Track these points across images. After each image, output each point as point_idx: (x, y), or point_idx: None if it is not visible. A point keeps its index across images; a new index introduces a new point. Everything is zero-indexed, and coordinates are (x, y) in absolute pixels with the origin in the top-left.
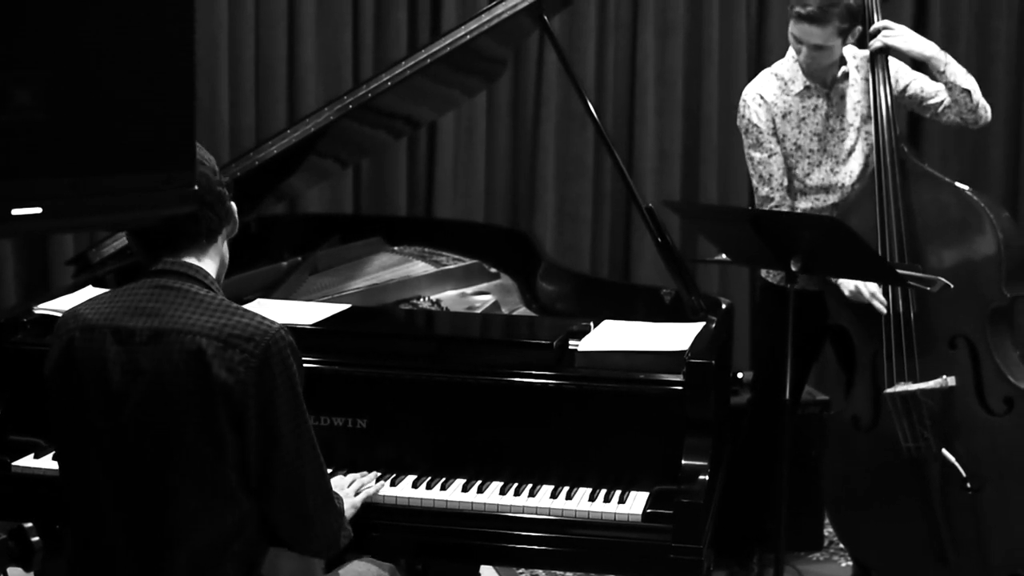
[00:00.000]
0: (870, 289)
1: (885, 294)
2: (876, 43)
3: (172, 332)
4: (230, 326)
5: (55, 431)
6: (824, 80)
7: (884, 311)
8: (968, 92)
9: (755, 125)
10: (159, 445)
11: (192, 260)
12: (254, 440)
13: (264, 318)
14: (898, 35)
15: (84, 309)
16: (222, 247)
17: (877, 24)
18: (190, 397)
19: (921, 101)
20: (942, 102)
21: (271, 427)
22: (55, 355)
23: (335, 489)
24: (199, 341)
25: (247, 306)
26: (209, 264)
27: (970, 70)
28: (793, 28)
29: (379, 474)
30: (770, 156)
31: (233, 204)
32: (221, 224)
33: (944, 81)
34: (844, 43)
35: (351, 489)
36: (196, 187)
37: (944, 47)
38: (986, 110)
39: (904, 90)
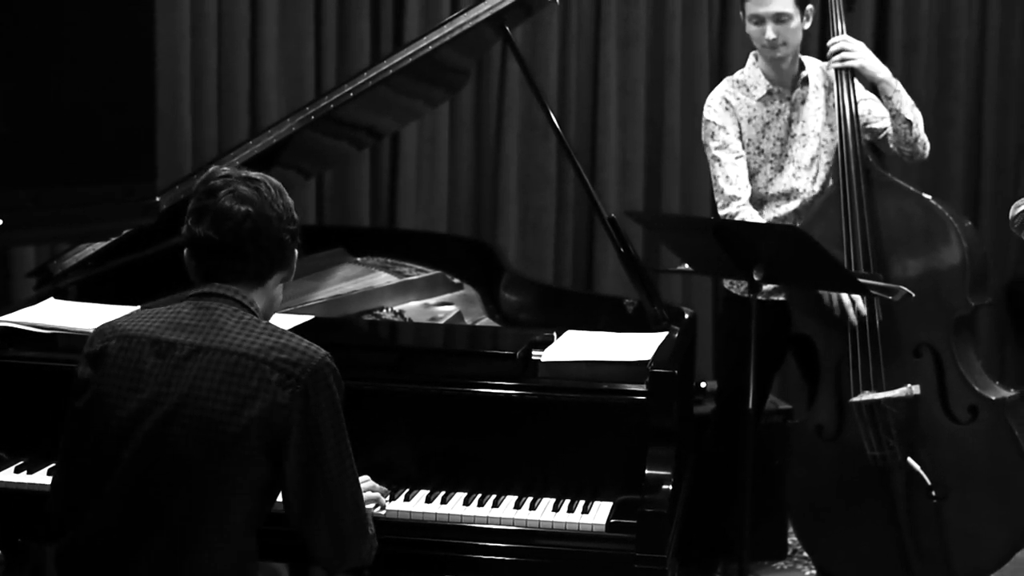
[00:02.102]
0: (850, 297)
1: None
2: (834, 62)
3: (214, 350)
4: (277, 348)
5: (70, 437)
6: (785, 82)
7: (856, 322)
8: (910, 123)
9: (721, 127)
10: (178, 462)
11: (240, 289)
12: (295, 464)
13: (310, 344)
14: (855, 56)
15: (123, 322)
16: (273, 290)
17: (837, 42)
18: (224, 418)
19: (866, 123)
20: (885, 129)
21: (315, 450)
22: (86, 363)
23: None
24: (243, 362)
25: None
26: (256, 299)
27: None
28: (751, 7)
29: (390, 491)
30: (736, 158)
31: (296, 252)
32: (273, 268)
33: (890, 107)
34: (803, 19)
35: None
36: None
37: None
38: (924, 146)
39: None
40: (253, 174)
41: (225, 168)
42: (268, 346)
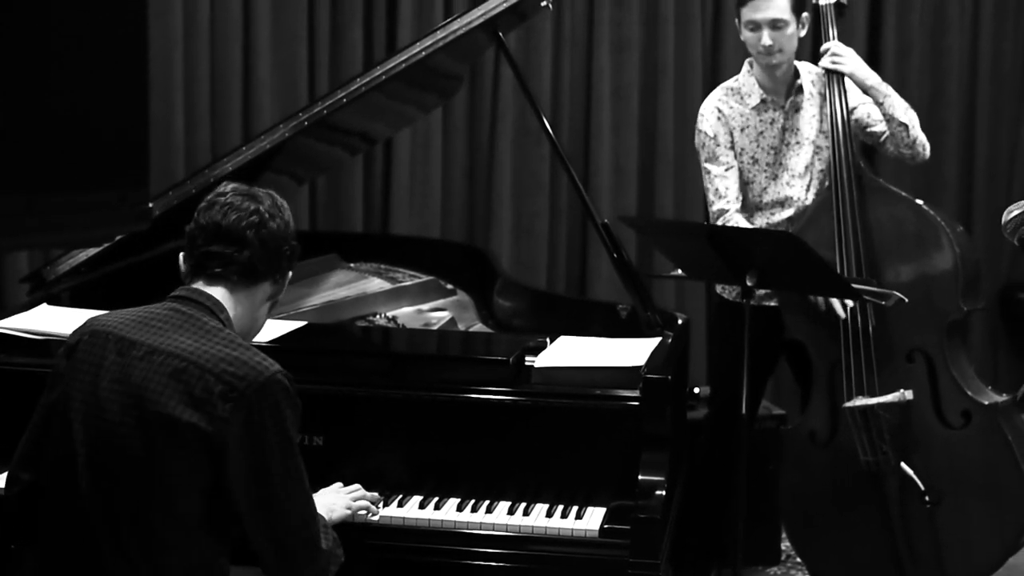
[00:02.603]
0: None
1: (844, 308)
2: (823, 64)
3: (166, 353)
4: (226, 360)
5: (40, 429)
6: (780, 90)
7: (843, 315)
8: (905, 126)
9: (712, 139)
10: (128, 459)
11: (217, 295)
12: (236, 478)
13: (264, 358)
14: (844, 61)
15: (102, 317)
16: (259, 303)
17: (827, 45)
18: (167, 419)
19: (865, 127)
20: (883, 132)
21: (258, 468)
22: (61, 356)
23: (333, 493)
24: (189, 369)
25: None
26: (235, 306)
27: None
28: (747, 13)
29: (383, 497)
30: (727, 170)
31: (289, 272)
32: (267, 270)
33: (883, 112)
34: (798, 26)
35: (351, 497)
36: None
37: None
38: (924, 147)
39: (852, 111)
40: (262, 190)
41: (234, 183)
42: (219, 357)
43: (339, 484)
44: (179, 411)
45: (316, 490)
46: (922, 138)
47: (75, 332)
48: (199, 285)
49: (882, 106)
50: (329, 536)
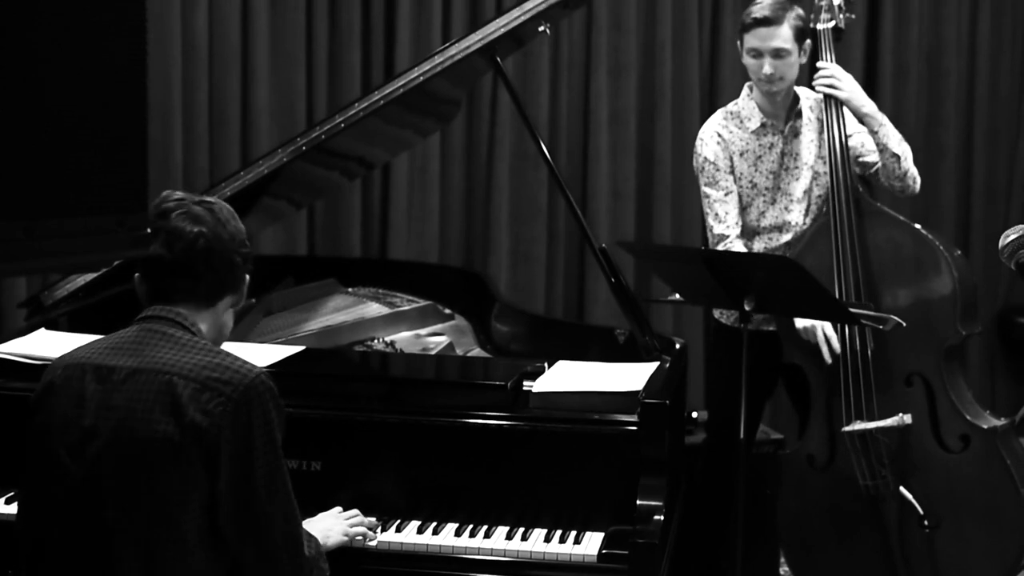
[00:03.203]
0: (826, 332)
1: (841, 332)
2: (818, 86)
3: (148, 371)
4: (209, 368)
5: (26, 469)
6: (780, 115)
7: (829, 360)
8: (898, 157)
9: (712, 163)
10: (125, 484)
11: (182, 311)
12: (226, 481)
13: (245, 362)
14: (842, 86)
15: (71, 352)
16: (222, 316)
17: (824, 66)
18: (159, 436)
19: (858, 156)
20: (876, 163)
21: (244, 469)
22: (38, 392)
23: (331, 518)
24: (174, 381)
25: None
26: (201, 322)
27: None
28: (750, 41)
29: (380, 521)
30: (726, 194)
31: (247, 277)
32: (223, 290)
33: (877, 142)
34: (800, 54)
35: (348, 522)
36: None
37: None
38: (915, 180)
39: (848, 138)
40: (207, 198)
41: (178, 192)
42: (200, 365)
43: (338, 509)
44: (170, 427)
45: (314, 515)
46: (913, 171)
47: (48, 370)
48: (163, 306)
49: (876, 135)
50: (312, 545)
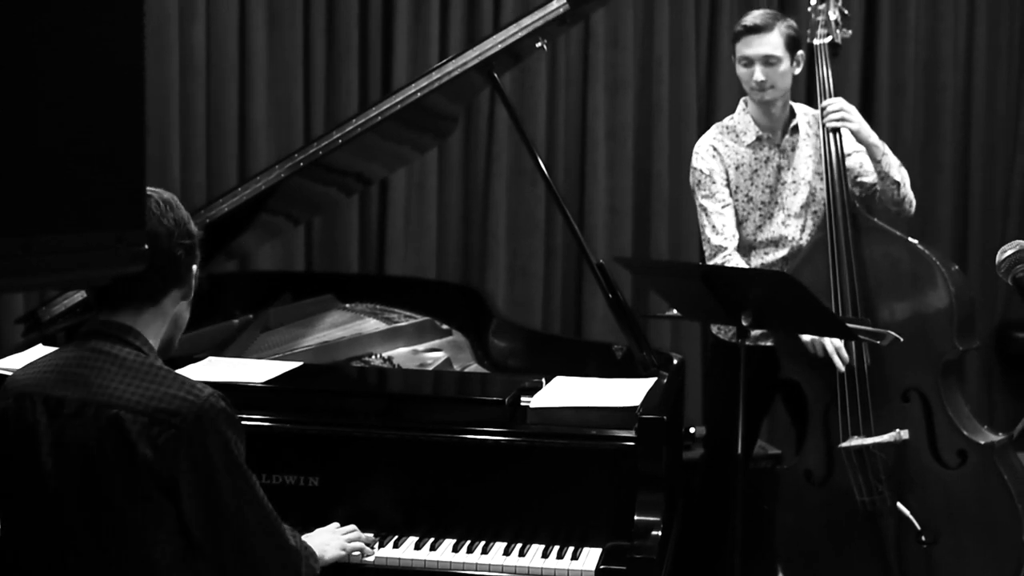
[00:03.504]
0: (835, 343)
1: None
2: (829, 123)
3: (96, 405)
4: (156, 398)
5: None
6: (776, 129)
7: (843, 368)
8: (898, 184)
9: (708, 176)
10: (88, 521)
11: (127, 320)
12: (193, 509)
13: (193, 386)
14: (852, 118)
15: (21, 375)
16: (171, 309)
17: (831, 102)
18: (115, 473)
19: (856, 176)
20: (874, 184)
21: (209, 494)
22: None
23: (328, 533)
24: (122, 416)
25: (197, 365)
26: (148, 325)
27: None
28: (741, 49)
29: (378, 537)
30: (723, 207)
31: (194, 268)
32: (167, 285)
33: (879, 169)
34: (792, 64)
35: (345, 538)
36: (146, 246)
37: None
38: (911, 204)
39: (847, 156)
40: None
41: None
42: (148, 396)
43: (335, 524)
44: (123, 462)
45: (312, 530)
46: (910, 195)
47: (0, 395)
48: (106, 315)
49: (879, 163)
50: (298, 538)
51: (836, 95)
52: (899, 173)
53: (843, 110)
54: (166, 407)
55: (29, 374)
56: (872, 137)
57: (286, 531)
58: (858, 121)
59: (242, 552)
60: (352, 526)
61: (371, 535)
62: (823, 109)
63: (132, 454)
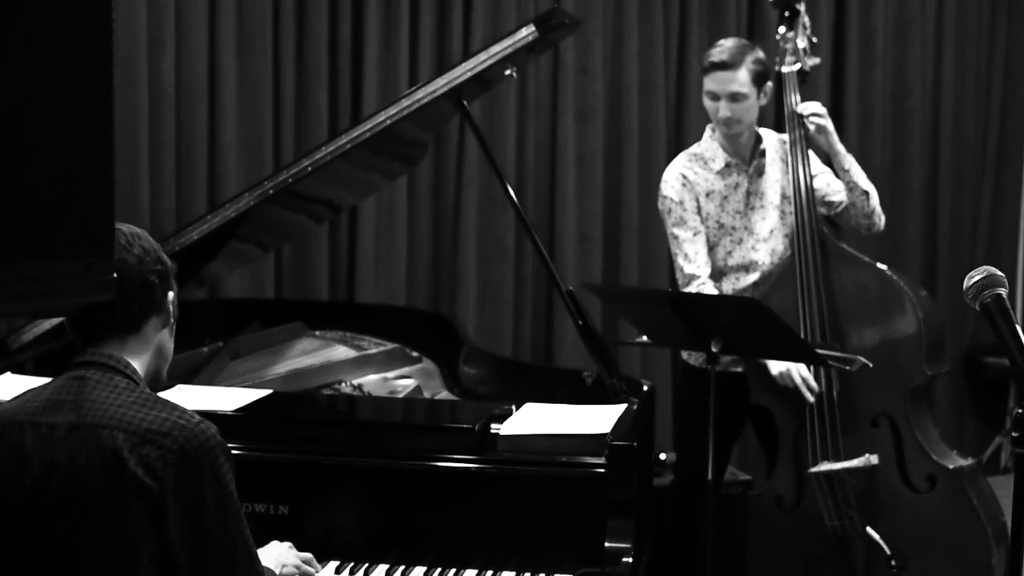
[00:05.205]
0: (801, 374)
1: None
2: (809, 123)
3: (89, 426)
4: (148, 420)
5: None
6: (743, 155)
7: (811, 399)
8: (867, 194)
9: (679, 203)
10: (74, 541)
11: (115, 351)
12: (178, 535)
13: (184, 412)
14: (827, 121)
15: (7, 405)
16: (154, 338)
17: (809, 105)
18: (105, 493)
19: (823, 196)
20: (842, 202)
21: (197, 522)
22: None
23: (279, 546)
24: (115, 436)
25: (167, 393)
26: (134, 355)
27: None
28: (709, 84)
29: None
30: (695, 234)
31: (170, 294)
32: (144, 313)
33: (846, 180)
34: (759, 97)
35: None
36: (115, 274)
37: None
38: (880, 218)
39: (813, 178)
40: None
41: None
42: (139, 418)
43: (288, 544)
44: (113, 481)
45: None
46: (879, 209)
47: None
48: (93, 347)
49: (847, 173)
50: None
51: None
52: (867, 184)
53: (816, 113)
54: (158, 428)
55: (16, 404)
56: (839, 145)
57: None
58: (830, 125)
59: None
60: (288, 543)
61: (310, 555)
62: (807, 114)
63: (122, 472)
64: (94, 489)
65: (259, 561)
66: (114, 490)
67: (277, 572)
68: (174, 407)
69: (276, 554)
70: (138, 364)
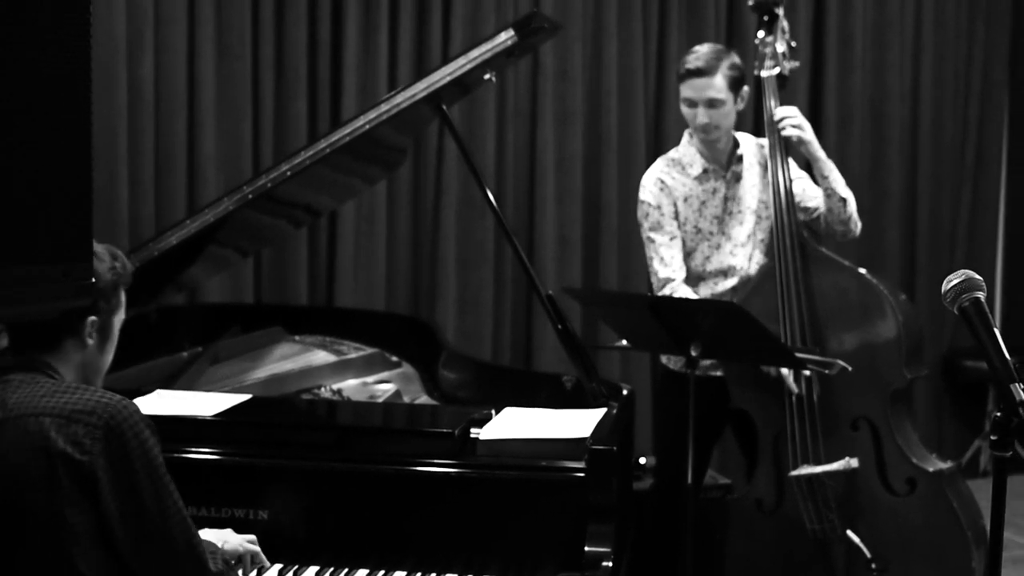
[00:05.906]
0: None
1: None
2: (784, 129)
3: (15, 419)
4: (72, 403)
5: None
6: (721, 160)
7: (796, 390)
8: (844, 201)
9: (656, 208)
10: (10, 533)
11: (40, 355)
12: (112, 508)
13: (106, 393)
14: (806, 131)
15: None
16: (74, 356)
17: (784, 111)
18: (37, 479)
19: (800, 202)
20: (818, 208)
21: (129, 492)
22: None
23: (217, 533)
24: (41, 421)
25: (146, 398)
26: (61, 358)
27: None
28: (685, 91)
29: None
30: (671, 239)
31: (93, 319)
32: (58, 335)
33: (825, 186)
34: (736, 102)
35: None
36: (93, 280)
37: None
38: (856, 225)
39: (792, 183)
40: None
41: None
42: (63, 402)
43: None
44: (42, 463)
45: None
46: (856, 216)
47: None
48: (18, 356)
49: (827, 179)
50: (218, 560)
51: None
52: (845, 191)
53: (798, 120)
54: (82, 408)
55: None
56: (820, 152)
57: (206, 553)
58: (810, 134)
59: (165, 566)
60: (228, 530)
61: (254, 541)
62: (778, 120)
63: (50, 452)
64: (26, 478)
65: (195, 530)
66: (44, 472)
67: (219, 545)
68: (95, 390)
69: (217, 535)
70: (64, 366)
